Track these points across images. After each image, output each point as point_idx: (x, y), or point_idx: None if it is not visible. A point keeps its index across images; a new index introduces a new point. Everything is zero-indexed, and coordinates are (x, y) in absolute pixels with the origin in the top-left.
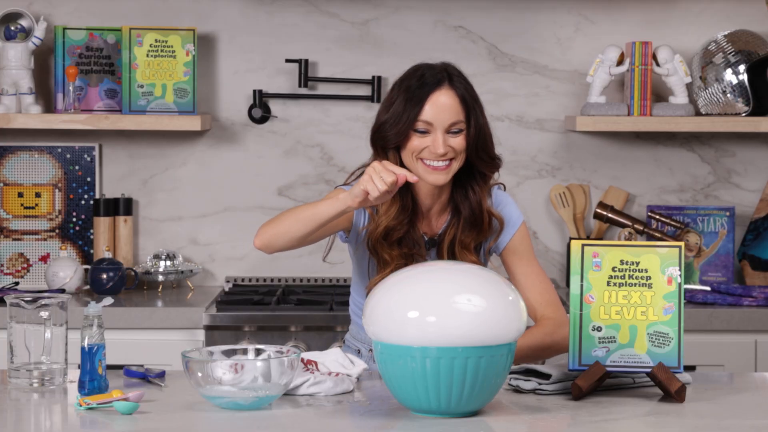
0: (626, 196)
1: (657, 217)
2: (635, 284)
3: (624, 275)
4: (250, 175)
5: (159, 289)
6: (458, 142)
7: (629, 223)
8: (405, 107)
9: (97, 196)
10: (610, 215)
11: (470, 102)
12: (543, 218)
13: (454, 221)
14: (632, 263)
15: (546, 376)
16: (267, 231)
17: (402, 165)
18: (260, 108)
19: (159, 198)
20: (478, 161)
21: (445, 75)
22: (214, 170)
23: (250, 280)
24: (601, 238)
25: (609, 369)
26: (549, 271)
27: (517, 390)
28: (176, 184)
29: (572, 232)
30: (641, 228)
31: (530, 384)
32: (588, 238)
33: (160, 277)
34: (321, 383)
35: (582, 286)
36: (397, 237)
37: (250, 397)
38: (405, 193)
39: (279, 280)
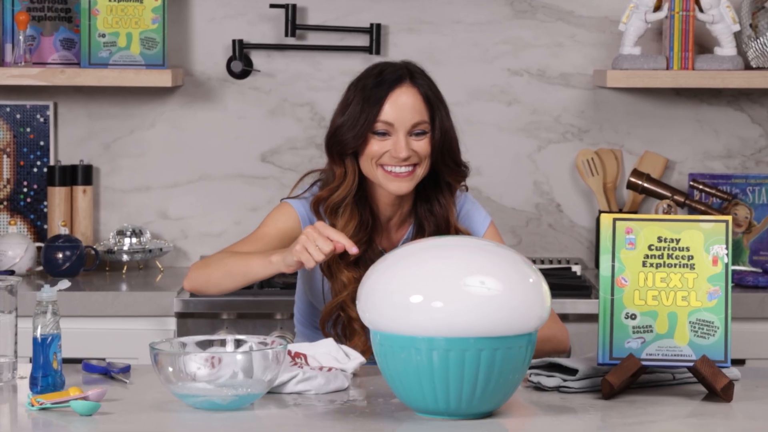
0: (664, 162)
1: (700, 186)
2: (675, 265)
3: (662, 254)
4: (229, 138)
5: (123, 271)
6: (422, 145)
7: (668, 194)
8: (363, 108)
9: (52, 162)
10: (645, 185)
11: (434, 101)
12: (568, 188)
13: (417, 237)
14: (672, 240)
15: (571, 372)
16: (199, 276)
17: (360, 172)
18: (240, 61)
19: (123, 165)
20: (444, 168)
21: (406, 72)
22: (188, 133)
23: None
24: (635, 212)
25: (644, 363)
26: (575, 250)
27: (538, 387)
28: (143, 149)
29: (602, 205)
30: (682, 200)
31: (553, 380)
32: (620, 211)
33: (125, 257)
34: (311, 379)
35: (613, 267)
36: (354, 257)
37: (229, 395)
38: (363, 206)
39: None
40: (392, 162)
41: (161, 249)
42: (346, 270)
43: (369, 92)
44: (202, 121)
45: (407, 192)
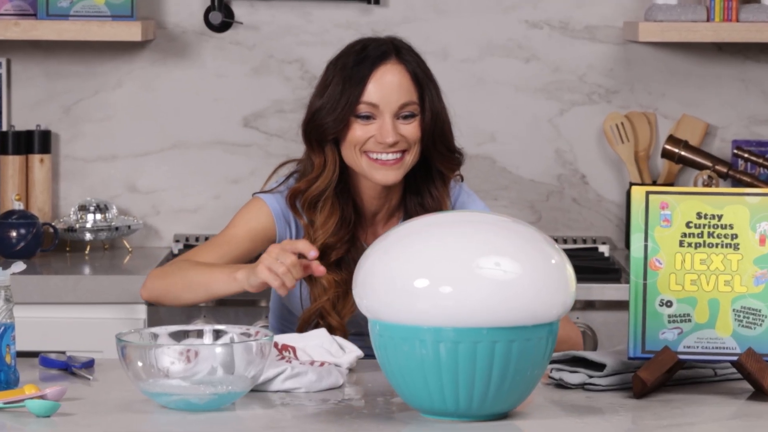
0: (705, 127)
1: (745, 155)
2: (717, 245)
3: (702, 233)
4: (206, 100)
5: (86, 251)
6: (411, 129)
7: (709, 164)
8: (344, 88)
9: (5, 128)
10: (683, 153)
11: (424, 80)
12: (594, 157)
13: None
14: (713, 217)
15: (598, 367)
16: (157, 286)
17: (341, 161)
18: (220, 12)
19: (86, 131)
20: (436, 155)
21: (392, 47)
22: (160, 94)
23: (206, 239)
24: (671, 184)
25: (682, 357)
26: (603, 228)
27: (561, 385)
28: (109, 113)
29: (633, 176)
30: (724, 170)
31: (578, 377)
32: (654, 183)
33: (88, 236)
34: (301, 376)
35: (646, 247)
36: (336, 257)
37: (207, 394)
38: (346, 199)
39: None
40: (378, 148)
41: (129, 227)
42: (327, 272)
43: (350, 71)
44: (176, 81)
45: (395, 182)
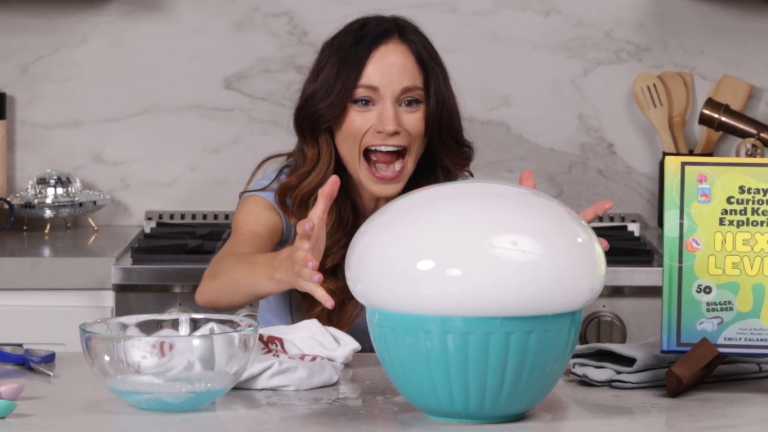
0: (748, 89)
1: None
2: (762, 223)
3: (745, 209)
4: (182, 58)
5: (46, 230)
6: (414, 120)
7: (753, 131)
8: (339, 71)
9: None
10: (723, 119)
11: (429, 63)
12: (623, 124)
13: None
14: (757, 191)
15: (628, 362)
16: (209, 292)
17: (336, 153)
18: None
19: (46, 93)
20: (442, 148)
21: (394, 26)
22: (130, 51)
23: (182, 216)
24: (710, 154)
25: (722, 350)
26: (632, 204)
27: (585, 382)
28: (72, 73)
29: (667, 145)
30: None
31: (604, 373)
32: (691, 153)
33: (48, 212)
34: (290, 371)
35: (682, 225)
36: (331, 263)
37: (183, 392)
38: (343, 200)
39: (226, 217)
40: (377, 139)
41: (95, 202)
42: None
43: (347, 51)
44: (148, 37)
45: (395, 195)
